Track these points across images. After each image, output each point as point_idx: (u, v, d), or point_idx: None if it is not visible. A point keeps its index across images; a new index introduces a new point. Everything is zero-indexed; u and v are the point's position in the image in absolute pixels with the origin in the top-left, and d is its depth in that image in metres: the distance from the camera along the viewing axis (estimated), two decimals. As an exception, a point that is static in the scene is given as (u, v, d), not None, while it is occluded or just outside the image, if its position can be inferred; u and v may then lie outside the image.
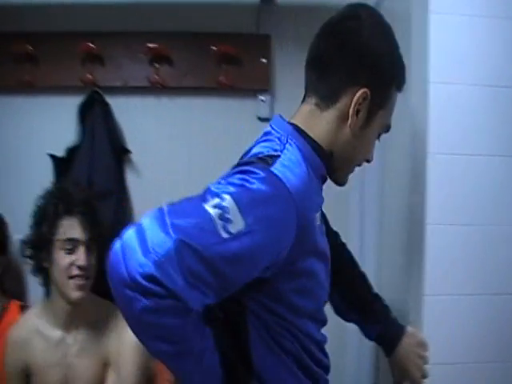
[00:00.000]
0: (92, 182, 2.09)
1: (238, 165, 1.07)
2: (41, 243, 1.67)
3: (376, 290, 1.54)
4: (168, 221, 0.88)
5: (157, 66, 2.19)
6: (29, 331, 1.74)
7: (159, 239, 0.86)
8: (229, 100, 2.26)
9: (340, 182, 1.24)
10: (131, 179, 2.20)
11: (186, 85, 2.24)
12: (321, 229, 1.14)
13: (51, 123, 2.23)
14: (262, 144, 1.12)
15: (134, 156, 2.21)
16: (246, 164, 1.04)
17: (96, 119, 2.15)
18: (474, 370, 1.53)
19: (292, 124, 1.15)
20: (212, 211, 0.91)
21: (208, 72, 2.22)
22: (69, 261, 1.65)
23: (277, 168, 1.01)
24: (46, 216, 1.67)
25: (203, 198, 0.96)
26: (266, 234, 0.94)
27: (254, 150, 1.11)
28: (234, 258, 0.91)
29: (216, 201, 0.93)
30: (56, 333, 1.73)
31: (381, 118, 1.17)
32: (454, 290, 1.53)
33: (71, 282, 1.66)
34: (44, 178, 2.04)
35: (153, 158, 2.23)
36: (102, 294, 1.69)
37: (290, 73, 2.23)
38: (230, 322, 1.09)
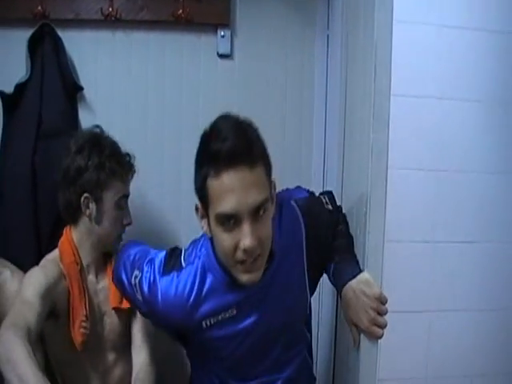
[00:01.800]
0: (42, 120, 2.00)
1: None
2: None
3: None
4: None
5: (111, -3, 2.07)
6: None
7: None
8: (187, 35, 2.16)
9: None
10: (84, 118, 2.10)
11: (142, 18, 2.12)
12: None
13: (-2, 58, 2.10)
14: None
15: (87, 93, 2.11)
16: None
17: (46, 54, 2.03)
18: (435, 318, 1.53)
19: None
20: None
21: (166, 5, 2.12)
22: None
23: None
24: None
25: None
26: None
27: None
28: None
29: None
30: None
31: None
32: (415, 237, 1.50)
33: None
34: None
35: (107, 95, 2.14)
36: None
37: (250, 8, 2.17)
38: None
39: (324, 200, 1.61)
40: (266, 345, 1.52)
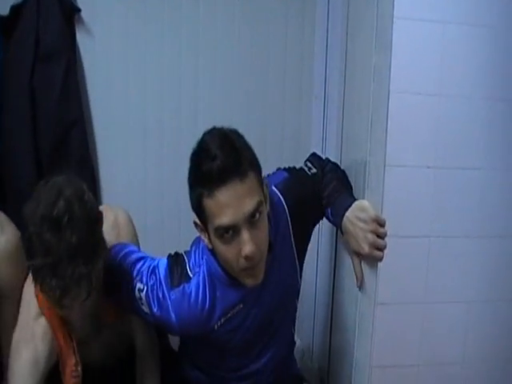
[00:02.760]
0: (39, 42, 1.96)
1: None
2: None
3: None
4: None
5: None
6: None
7: None
8: None
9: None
10: (81, 40, 2.05)
11: None
12: None
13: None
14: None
15: (84, 15, 2.05)
16: None
17: (43, -27, 1.97)
18: (432, 243, 1.53)
19: None
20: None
21: None
22: None
23: None
24: None
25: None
26: None
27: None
28: None
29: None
30: None
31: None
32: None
33: None
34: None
35: (105, 17, 2.07)
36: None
37: None
38: None
39: (306, 167, 1.63)
40: (267, 326, 1.57)
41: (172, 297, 1.44)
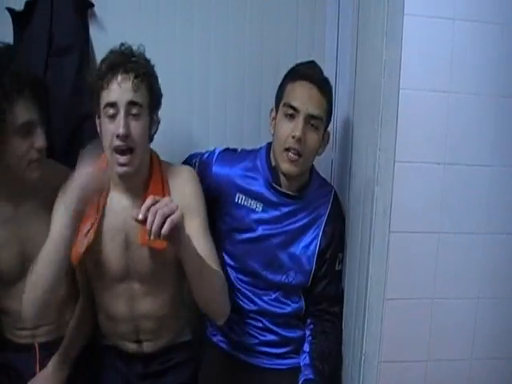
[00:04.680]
0: (53, 36, 1.98)
1: None
2: None
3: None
4: None
5: None
6: None
7: None
8: None
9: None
10: (94, 35, 2.06)
11: None
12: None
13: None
14: None
15: (98, 9, 2.06)
16: None
17: (56, -30, 1.98)
18: (441, 238, 1.54)
19: None
20: None
21: None
22: (27, 145, 1.59)
23: None
24: None
25: None
26: None
27: None
28: None
29: None
30: (3, 209, 1.70)
31: None
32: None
33: (32, 165, 1.63)
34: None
35: (117, 11, 2.08)
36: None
37: None
38: None
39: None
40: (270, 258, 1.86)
41: (219, 154, 1.90)
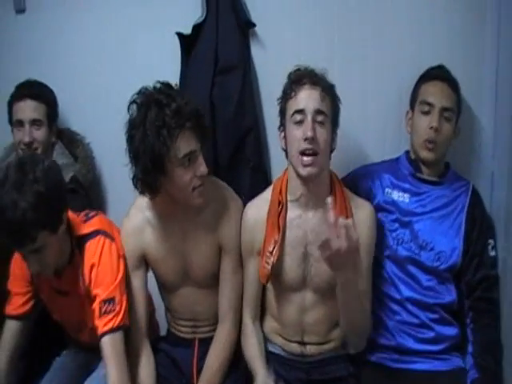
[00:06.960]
0: (218, 57, 2.11)
1: None
2: (156, 164, 1.62)
3: None
4: None
5: None
6: (141, 221, 1.83)
7: None
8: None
9: None
10: (255, 53, 2.17)
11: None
12: None
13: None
14: None
15: (259, 29, 2.16)
16: None
17: (220, -6, 2.12)
18: None
19: None
20: None
21: None
22: (190, 175, 1.68)
23: None
24: (158, 134, 1.60)
25: None
26: None
27: None
28: None
29: None
30: (166, 224, 1.82)
31: None
32: None
33: (196, 192, 1.71)
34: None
35: (277, 30, 2.17)
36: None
37: None
38: None
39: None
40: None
41: None
